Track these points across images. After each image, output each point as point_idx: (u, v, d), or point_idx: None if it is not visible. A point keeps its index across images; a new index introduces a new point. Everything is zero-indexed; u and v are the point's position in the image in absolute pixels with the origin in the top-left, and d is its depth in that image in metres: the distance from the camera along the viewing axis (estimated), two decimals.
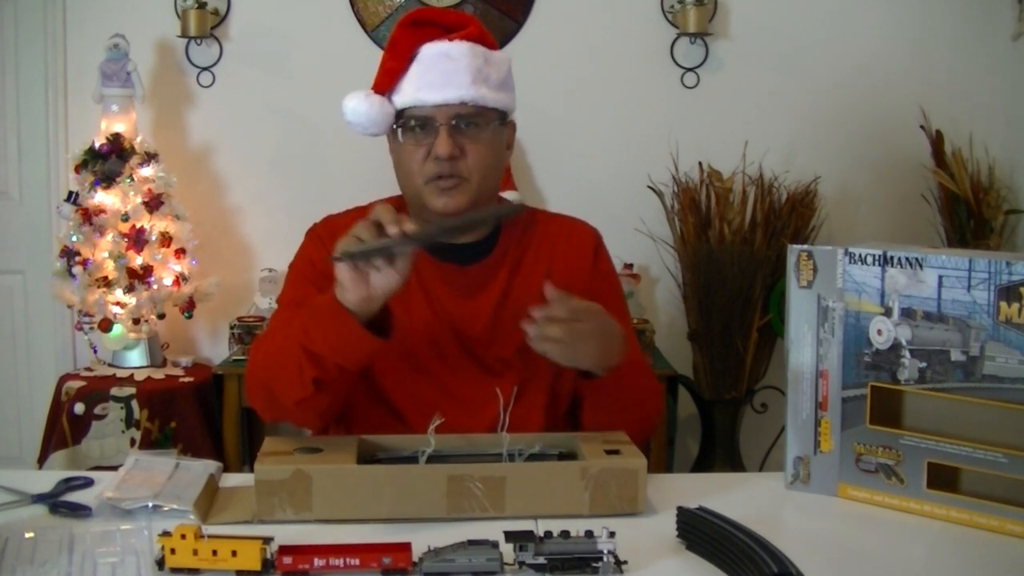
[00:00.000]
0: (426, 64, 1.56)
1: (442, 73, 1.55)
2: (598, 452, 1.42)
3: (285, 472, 1.33)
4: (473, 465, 1.38)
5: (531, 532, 1.20)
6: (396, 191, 1.69)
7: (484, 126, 1.58)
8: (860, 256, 1.44)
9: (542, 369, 1.62)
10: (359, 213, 1.74)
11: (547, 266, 1.67)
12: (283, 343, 1.48)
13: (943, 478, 1.39)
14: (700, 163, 3.31)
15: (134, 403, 3.05)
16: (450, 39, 1.56)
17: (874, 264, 1.43)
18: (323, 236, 1.65)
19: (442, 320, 1.63)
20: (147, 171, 3.17)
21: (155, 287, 3.16)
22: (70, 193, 3.20)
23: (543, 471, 1.39)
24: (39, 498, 1.41)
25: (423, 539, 1.21)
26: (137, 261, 3.14)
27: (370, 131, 1.59)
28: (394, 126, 1.59)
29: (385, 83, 1.58)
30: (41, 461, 3.12)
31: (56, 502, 1.40)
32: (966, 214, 3.23)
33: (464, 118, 1.57)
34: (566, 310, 1.42)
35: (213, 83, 3.49)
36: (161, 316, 3.19)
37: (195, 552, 1.17)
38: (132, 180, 3.15)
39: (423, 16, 1.61)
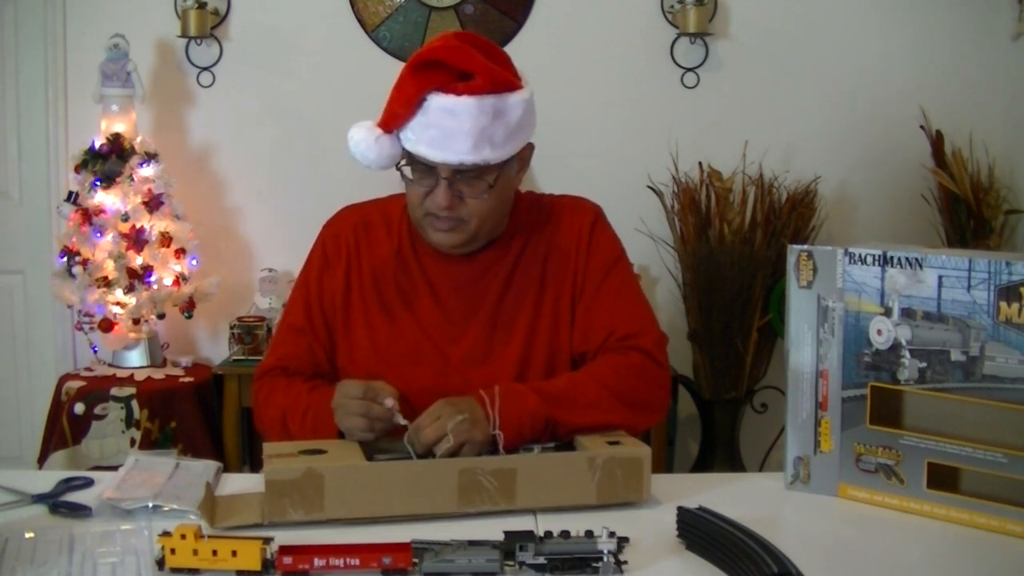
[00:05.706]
0: (430, 118, 1.52)
1: (443, 132, 1.51)
2: (599, 443, 1.44)
3: (296, 472, 1.33)
4: (483, 458, 1.39)
5: (531, 532, 1.20)
6: (397, 189, 1.69)
7: (486, 176, 1.57)
8: (860, 256, 1.44)
9: (540, 356, 1.65)
10: (378, 206, 1.77)
11: (545, 251, 1.68)
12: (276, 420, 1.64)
13: (943, 478, 1.39)
14: (700, 163, 3.31)
15: (134, 403, 3.05)
16: (457, 92, 1.51)
17: (874, 264, 1.43)
18: (329, 252, 1.71)
19: (448, 312, 1.66)
20: (147, 171, 3.17)
21: (155, 287, 3.16)
22: (70, 193, 3.20)
23: (551, 462, 1.41)
24: (39, 498, 1.41)
25: (426, 535, 1.20)
26: (137, 261, 3.14)
27: (375, 168, 1.58)
28: (399, 165, 1.59)
29: (391, 124, 1.55)
30: (41, 461, 3.12)
31: (56, 502, 1.40)
32: (966, 214, 3.22)
33: (464, 173, 1.56)
34: (428, 430, 1.42)
35: (213, 83, 3.49)
36: (161, 316, 3.19)
37: (195, 552, 1.16)
38: (132, 180, 3.15)
39: (432, 58, 1.53)
